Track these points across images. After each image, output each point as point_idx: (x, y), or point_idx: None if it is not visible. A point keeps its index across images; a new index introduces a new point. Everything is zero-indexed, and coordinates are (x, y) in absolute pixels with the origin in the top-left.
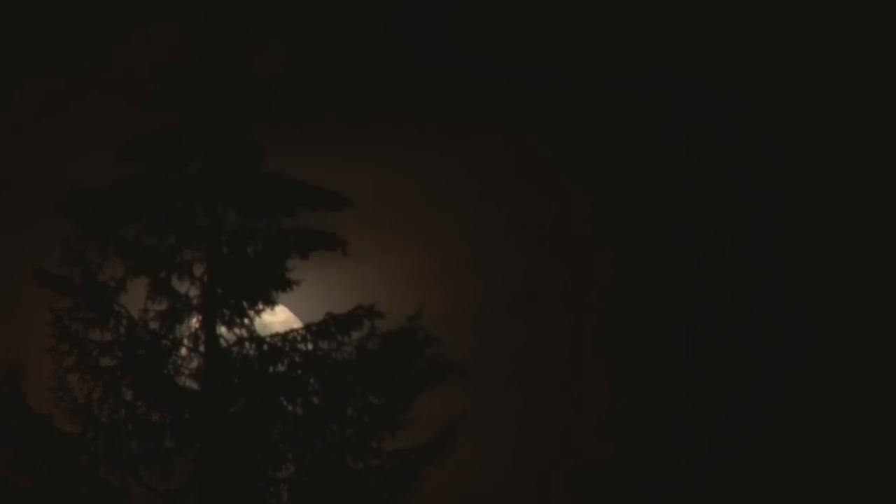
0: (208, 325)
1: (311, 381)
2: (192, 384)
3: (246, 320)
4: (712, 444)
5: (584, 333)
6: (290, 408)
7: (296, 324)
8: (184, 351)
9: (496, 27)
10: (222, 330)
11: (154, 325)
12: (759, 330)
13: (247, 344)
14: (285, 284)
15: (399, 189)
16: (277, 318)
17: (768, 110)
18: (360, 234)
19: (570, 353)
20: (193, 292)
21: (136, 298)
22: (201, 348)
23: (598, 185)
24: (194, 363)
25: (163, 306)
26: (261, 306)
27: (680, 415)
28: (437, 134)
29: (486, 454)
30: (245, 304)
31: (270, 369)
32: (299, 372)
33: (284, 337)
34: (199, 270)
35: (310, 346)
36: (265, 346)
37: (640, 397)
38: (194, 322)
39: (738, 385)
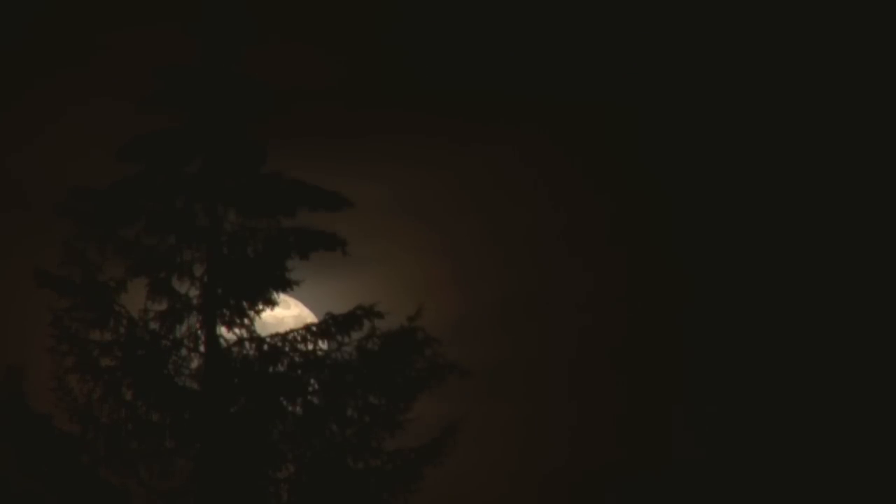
0: (208, 325)
1: (311, 381)
2: (192, 384)
3: (246, 320)
4: (720, 451)
5: (599, 339)
6: (290, 408)
7: (310, 318)
8: (184, 351)
9: (509, 32)
10: (222, 330)
11: (154, 326)
12: (769, 335)
13: (247, 344)
14: (285, 284)
15: (422, 194)
16: (291, 313)
17: (773, 111)
18: (382, 239)
19: (583, 359)
20: (193, 292)
21: (136, 298)
22: (201, 348)
23: (615, 191)
24: (194, 363)
25: (163, 306)
26: (261, 306)
27: (690, 421)
28: (455, 138)
29: (497, 459)
30: (245, 304)
31: (270, 369)
32: (299, 372)
33: (284, 337)
34: (199, 270)
35: (310, 346)
36: (265, 347)
37: (652, 404)
38: (194, 322)
39: (747, 391)
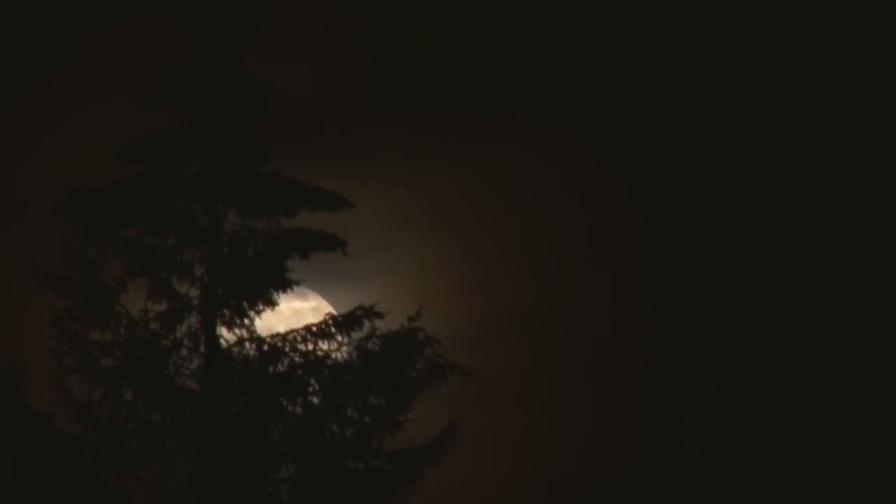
0: (208, 326)
1: (311, 381)
2: (192, 384)
3: (246, 320)
4: (726, 457)
5: (620, 346)
6: (290, 408)
7: (328, 310)
8: (184, 351)
9: (537, 34)
10: (222, 330)
11: (154, 326)
12: (791, 346)
13: (247, 344)
14: (285, 284)
15: (448, 199)
16: (309, 305)
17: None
18: (404, 245)
19: (604, 366)
20: (193, 293)
21: (136, 298)
22: (201, 348)
23: (642, 198)
24: (194, 363)
25: (163, 307)
26: (261, 306)
27: (706, 433)
28: (481, 142)
29: (500, 468)
30: (245, 304)
31: (270, 369)
32: (299, 372)
33: (284, 337)
34: (199, 271)
35: (310, 347)
36: (265, 347)
37: (669, 415)
38: (194, 322)
39: (748, 395)
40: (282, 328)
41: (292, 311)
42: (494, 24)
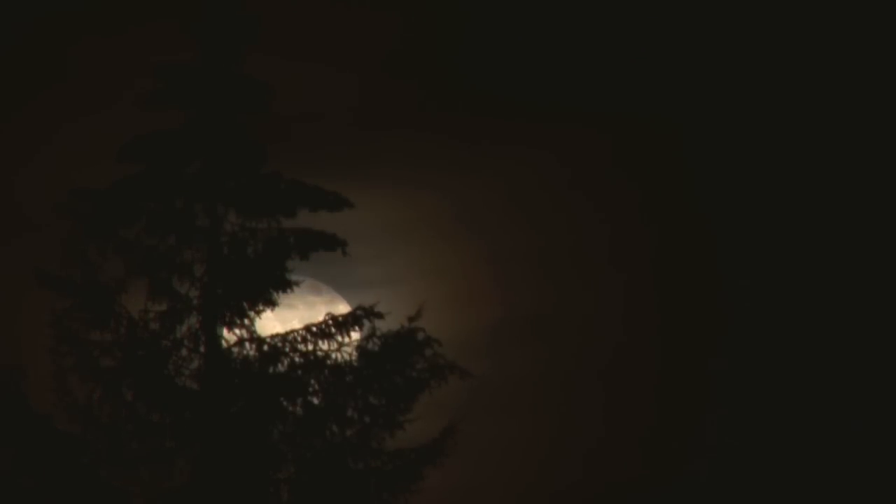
0: (208, 326)
1: (312, 381)
2: (192, 384)
3: (246, 321)
4: (736, 467)
5: (633, 354)
6: (290, 408)
7: (341, 305)
8: (184, 351)
9: (524, 50)
10: (222, 330)
11: (154, 326)
12: (780, 349)
13: (247, 344)
14: (285, 285)
15: (468, 203)
16: (322, 299)
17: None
18: (420, 247)
19: (615, 374)
20: (193, 293)
21: (136, 298)
22: (201, 349)
23: (660, 206)
24: (194, 363)
25: (163, 307)
26: (261, 307)
27: (715, 444)
28: (501, 146)
29: (510, 474)
30: (245, 304)
31: (270, 370)
32: (299, 372)
33: (284, 337)
34: (199, 271)
35: (310, 347)
36: (265, 347)
37: (677, 425)
38: (194, 322)
39: (760, 405)
40: (296, 322)
41: (306, 305)
42: (510, 24)
